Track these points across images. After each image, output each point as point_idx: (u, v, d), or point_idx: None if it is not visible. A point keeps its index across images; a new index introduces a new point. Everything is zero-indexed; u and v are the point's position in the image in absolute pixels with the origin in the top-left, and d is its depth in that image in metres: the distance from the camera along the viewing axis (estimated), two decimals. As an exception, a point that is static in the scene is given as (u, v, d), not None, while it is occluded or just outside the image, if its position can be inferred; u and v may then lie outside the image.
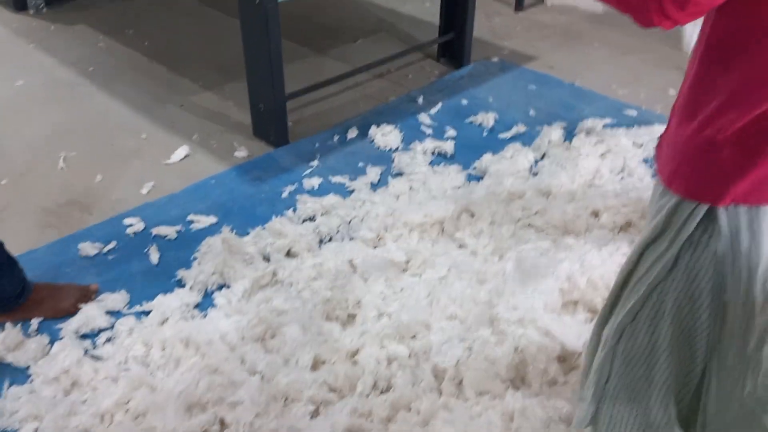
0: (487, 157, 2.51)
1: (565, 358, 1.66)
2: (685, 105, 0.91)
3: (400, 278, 1.93)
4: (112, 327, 1.80)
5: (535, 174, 2.45)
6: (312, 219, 2.21)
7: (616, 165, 2.46)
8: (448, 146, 2.60)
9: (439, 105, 2.93)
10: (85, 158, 2.56)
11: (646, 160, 2.49)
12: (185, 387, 1.59)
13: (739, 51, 0.83)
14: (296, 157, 2.58)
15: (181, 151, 2.59)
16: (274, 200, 2.33)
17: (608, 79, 3.21)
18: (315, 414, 1.57)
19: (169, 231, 2.16)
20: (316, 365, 1.69)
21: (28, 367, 1.68)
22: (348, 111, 2.93)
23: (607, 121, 2.76)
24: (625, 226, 2.14)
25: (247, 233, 2.13)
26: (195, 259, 2.04)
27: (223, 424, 1.54)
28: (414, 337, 1.74)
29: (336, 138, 2.70)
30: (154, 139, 2.69)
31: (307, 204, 2.25)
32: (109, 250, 2.09)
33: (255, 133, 2.73)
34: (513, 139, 2.68)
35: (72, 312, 1.82)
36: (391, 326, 1.75)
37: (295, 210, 2.25)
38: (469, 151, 2.60)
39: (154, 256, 2.06)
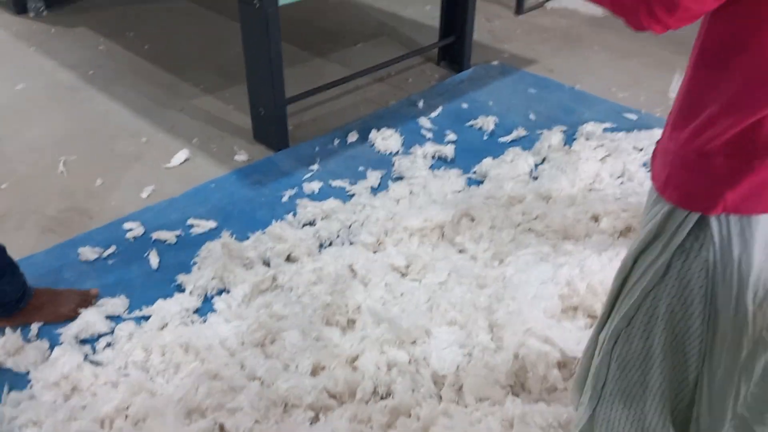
0: (487, 161, 2.51)
1: (564, 365, 1.66)
2: (679, 112, 0.91)
3: (400, 283, 1.93)
4: (111, 332, 1.80)
5: (536, 178, 2.45)
6: (312, 223, 2.21)
7: (616, 169, 2.46)
8: (449, 150, 2.60)
9: (440, 109, 2.93)
10: (86, 162, 2.56)
11: (645, 164, 2.49)
12: (185, 392, 1.58)
13: (730, 60, 0.83)
14: (296, 161, 2.58)
15: (182, 155, 2.59)
16: (274, 204, 2.33)
17: (608, 83, 3.21)
18: (315, 420, 1.57)
19: (168, 235, 2.16)
20: (315, 371, 1.69)
21: (27, 372, 1.68)
22: (348, 115, 2.94)
23: (607, 125, 2.77)
24: (625, 231, 2.14)
25: (247, 238, 2.14)
26: (195, 263, 2.04)
27: (222, 430, 1.54)
28: (414, 342, 1.73)
29: (336, 142, 2.70)
30: (155, 143, 2.69)
31: (307, 208, 2.25)
32: (108, 255, 2.09)
33: (255, 136, 2.73)
34: (513, 143, 2.68)
35: (72, 317, 1.83)
36: (391, 331, 1.75)
37: (295, 214, 2.25)
38: (469, 155, 2.60)
39: (154, 261, 2.06)
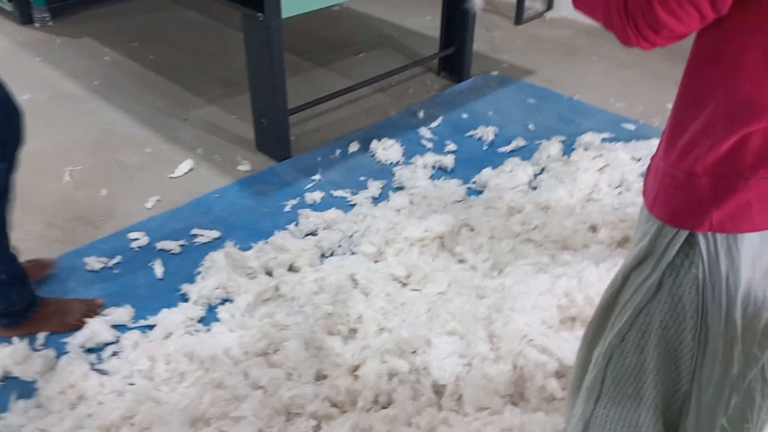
0: (486, 172, 2.54)
1: (563, 375, 1.69)
2: (669, 131, 0.94)
3: (400, 293, 1.96)
4: (117, 341, 1.83)
5: (534, 188, 2.48)
6: (314, 233, 2.25)
7: (614, 179, 2.49)
8: (449, 160, 2.63)
9: (440, 119, 2.97)
10: (91, 172, 2.59)
11: (643, 174, 2.51)
12: (190, 401, 1.62)
13: (711, 80, 0.85)
14: (298, 171, 2.61)
15: (185, 165, 2.62)
16: (277, 214, 2.36)
17: (606, 93, 3.25)
18: (317, 429, 1.60)
19: (173, 245, 2.19)
20: (318, 380, 1.72)
21: (34, 381, 1.71)
22: (349, 125, 2.97)
23: (606, 135, 2.80)
24: (623, 242, 2.17)
25: (250, 247, 2.17)
26: (198, 273, 2.07)
27: (226, 438, 1.57)
28: (414, 352, 1.76)
29: (338, 152, 2.73)
30: (159, 153, 2.73)
31: (309, 218, 2.28)
32: (114, 264, 2.12)
33: (258, 146, 2.77)
34: (512, 153, 2.72)
35: (78, 326, 1.85)
36: (392, 341, 1.78)
37: (297, 224, 2.28)
38: (469, 165, 2.63)
39: (159, 270, 2.09)
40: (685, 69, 0.90)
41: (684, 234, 0.92)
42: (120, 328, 1.88)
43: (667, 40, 0.83)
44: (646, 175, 1.01)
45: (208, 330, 1.87)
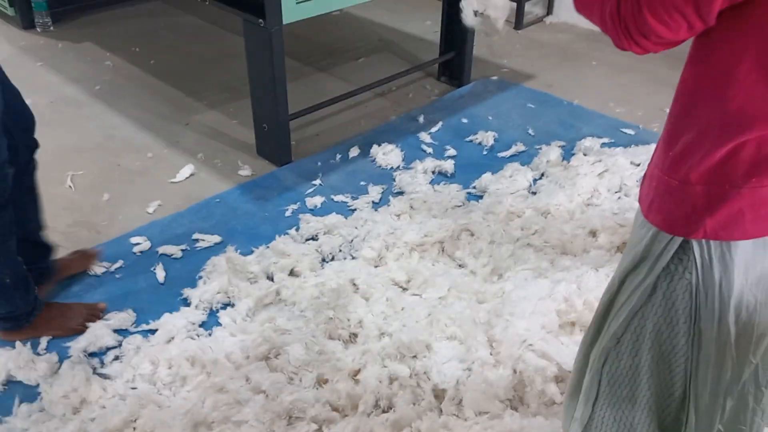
0: (486, 177, 2.56)
1: (562, 379, 1.70)
2: (664, 138, 0.95)
3: (401, 298, 1.97)
4: (119, 345, 1.85)
5: (534, 193, 2.49)
6: (315, 238, 2.26)
7: (614, 184, 2.50)
8: (448, 165, 2.65)
9: (440, 124, 2.98)
10: (92, 177, 2.61)
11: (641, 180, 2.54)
12: (192, 405, 1.63)
13: (702, 90, 0.87)
14: (299, 176, 2.63)
15: (187, 170, 2.64)
16: (278, 219, 2.37)
17: (606, 98, 3.26)
18: (318, 432, 1.61)
19: (174, 250, 2.20)
20: (319, 384, 1.73)
21: (37, 385, 1.73)
22: (350, 130, 2.99)
23: (605, 140, 2.81)
24: (622, 247, 2.18)
25: (251, 252, 2.18)
26: (200, 277, 2.08)
27: (228, 442, 1.58)
28: (415, 356, 1.78)
29: (338, 157, 2.75)
30: (160, 158, 2.74)
31: (309, 223, 2.30)
32: (116, 269, 2.13)
33: (258, 151, 2.78)
34: (512, 158, 2.73)
35: (80, 330, 1.87)
36: (392, 345, 1.79)
37: (297, 229, 2.30)
38: (468, 170, 2.65)
39: (160, 275, 2.10)
40: (680, 77, 0.92)
41: (678, 240, 0.93)
42: (122, 332, 1.89)
43: (658, 46, 0.84)
44: (642, 181, 1.03)
45: (210, 334, 1.88)
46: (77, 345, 1.83)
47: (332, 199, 2.48)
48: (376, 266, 2.12)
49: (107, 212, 2.42)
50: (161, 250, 2.20)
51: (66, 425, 1.60)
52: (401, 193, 2.51)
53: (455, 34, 3.26)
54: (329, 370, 1.74)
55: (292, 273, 2.10)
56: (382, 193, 2.51)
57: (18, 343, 1.81)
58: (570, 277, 1.98)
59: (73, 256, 2.11)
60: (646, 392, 1.05)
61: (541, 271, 2.04)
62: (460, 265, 2.13)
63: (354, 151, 2.77)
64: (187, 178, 2.62)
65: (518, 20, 4.08)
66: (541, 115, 3.08)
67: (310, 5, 2.41)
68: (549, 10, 4.25)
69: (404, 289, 2.02)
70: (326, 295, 1.97)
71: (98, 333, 1.85)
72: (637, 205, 2.40)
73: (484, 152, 2.80)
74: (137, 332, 1.89)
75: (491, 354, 1.77)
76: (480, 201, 2.45)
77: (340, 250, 2.20)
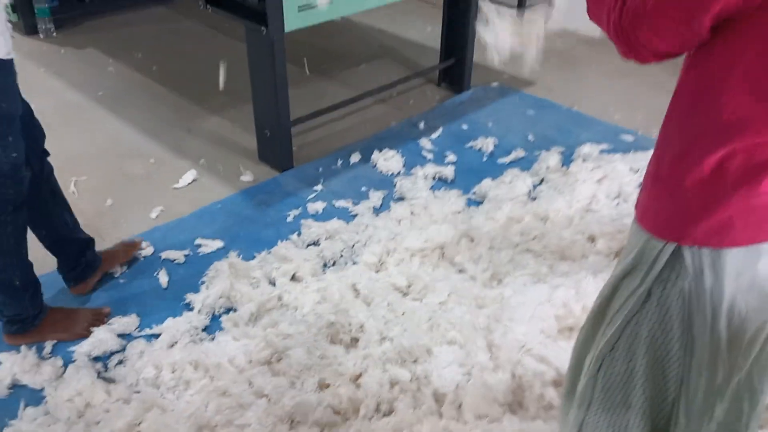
0: (486, 182, 2.58)
1: (560, 383, 1.72)
2: (658, 146, 0.98)
3: (401, 302, 1.99)
4: (123, 350, 1.87)
5: (534, 199, 2.52)
6: (316, 243, 2.28)
7: (612, 190, 2.53)
8: (449, 171, 2.67)
9: (440, 130, 3.01)
10: (96, 183, 2.63)
11: (641, 185, 2.56)
12: (195, 409, 1.65)
13: (694, 102, 0.89)
14: (301, 182, 2.65)
15: (189, 176, 2.66)
16: (279, 224, 2.40)
17: (605, 104, 3.29)
18: (320, 436, 1.63)
19: (177, 255, 2.22)
20: (321, 388, 1.75)
21: (42, 389, 1.75)
22: (351, 136, 3.01)
23: (604, 146, 2.84)
24: (620, 252, 2.19)
25: (253, 257, 2.20)
26: (203, 282, 2.10)
27: (231, 445, 1.60)
28: (415, 361, 1.80)
29: (339, 162, 2.77)
30: (163, 164, 2.77)
31: (311, 228, 2.32)
32: (119, 274, 2.15)
33: (260, 157, 2.81)
34: (512, 164, 2.76)
35: (85, 335, 1.89)
36: (393, 350, 1.81)
37: (299, 234, 2.32)
38: (468, 175, 2.67)
39: (164, 280, 2.13)
40: (675, 89, 0.94)
41: (671, 247, 0.95)
42: (126, 336, 1.92)
43: (657, 57, 0.88)
44: (640, 190, 1.05)
45: (213, 339, 1.90)
46: (82, 349, 1.85)
47: (333, 205, 2.50)
48: (377, 271, 2.14)
49: (110, 217, 2.44)
50: (164, 255, 2.23)
51: (71, 429, 1.62)
52: (402, 198, 2.53)
53: (456, 41, 3.28)
54: (331, 375, 1.76)
55: (293, 278, 2.12)
56: (383, 198, 2.54)
57: (23, 347, 1.83)
58: (568, 282, 2.00)
59: (117, 247, 2.19)
60: (640, 397, 1.07)
61: (540, 277, 2.06)
62: (460, 271, 2.15)
63: (355, 157, 2.80)
64: (189, 183, 2.64)
65: (518, 26, 4.10)
66: (541, 121, 3.11)
67: (311, 13, 2.44)
68: (549, 17, 4.26)
69: (405, 294, 2.04)
70: (328, 300, 1.99)
71: (102, 337, 1.88)
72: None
73: (484, 158, 2.83)
74: (141, 336, 1.91)
75: (490, 358, 1.79)
76: (480, 207, 2.47)
77: (342, 256, 2.22)
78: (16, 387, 1.76)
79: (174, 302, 2.04)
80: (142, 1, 4.38)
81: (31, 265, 1.81)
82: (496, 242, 2.22)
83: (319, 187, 2.61)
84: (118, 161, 2.78)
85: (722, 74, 0.84)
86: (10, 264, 1.75)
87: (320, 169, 2.73)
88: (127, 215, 2.46)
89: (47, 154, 1.87)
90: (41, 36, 3.92)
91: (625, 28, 0.86)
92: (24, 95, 1.80)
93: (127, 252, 2.19)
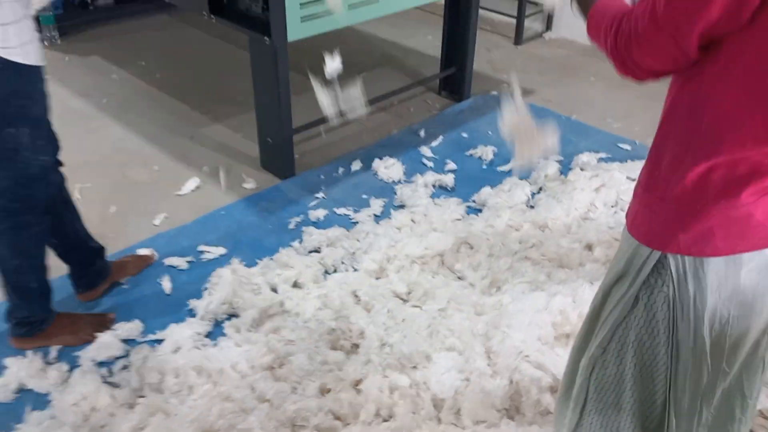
0: (485, 190, 2.61)
1: (557, 389, 1.74)
2: (648, 157, 1.02)
3: (401, 309, 2.02)
4: (127, 355, 1.90)
5: (532, 207, 2.55)
6: (317, 250, 2.31)
7: (610, 199, 2.56)
8: (449, 179, 2.70)
9: (440, 138, 3.04)
10: (100, 190, 2.66)
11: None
12: (198, 413, 1.68)
13: (679, 116, 0.94)
14: (302, 189, 2.68)
15: (192, 183, 2.69)
16: (281, 231, 2.43)
17: (603, 113, 3.32)
18: (321, 440, 1.66)
19: (180, 261, 2.25)
20: (321, 393, 1.78)
21: (48, 394, 1.77)
22: (352, 144, 3.05)
23: (602, 155, 2.87)
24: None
25: (255, 264, 2.23)
26: (206, 289, 2.13)
27: (233, 449, 1.63)
28: (415, 367, 1.83)
29: (341, 170, 2.81)
30: (166, 171, 2.80)
31: (312, 235, 2.35)
32: (124, 280, 2.18)
33: (263, 164, 2.84)
34: (511, 172, 2.79)
35: (89, 340, 1.92)
36: (393, 356, 1.84)
37: (301, 241, 2.35)
38: (468, 183, 2.70)
39: (167, 286, 2.15)
40: (666, 103, 0.98)
41: (657, 254, 0.99)
42: (130, 342, 1.94)
43: (652, 75, 0.93)
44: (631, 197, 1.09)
45: (215, 345, 1.93)
46: (87, 354, 1.88)
47: (335, 212, 2.53)
48: (377, 278, 2.17)
49: (114, 224, 2.48)
50: (167, 261, 2.26)
51: (76, 432, 1.65)
52: (402, 206, 2.57)
53: (456, 50, 3.32)
54: (332, 380, 1.79)
55: (295, 284, 2.15)
56: (384, 206, 2.57)
57: (29, 352, 1.86)
58: (566, 290, 2.03)
59: (129, 258, 2.22)
60: (630, 399, 1.10)
61: (538, 284, 2.09)
62: (459, 278, 2.18)
63: (356, 165, 2.83)
64: (192, 190, 2.68)
65: (518, 36, 4.15)
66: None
67: (314, 23, 2.47)
68: (548, 26, 4.32)
69: (405, 301, 2.07)
70: (329, 307, 2.03)
71: (107, 342, 1.91)
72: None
73: (484, 166, 2.86)
74: (144, 342, 1.94)
75: (489, 365, 1.82)
76: (479, 214, 2.50)
77: (343, 263, 2.25)
78: (22, 391, 1.79)
79: (177, 308, 2.07)
80: (146, 10, 4.42)
81: (47, 268, 1.85)
82: (495, 250, 2.26)
83: (320, 195, 2.64)
84: (122, 168, 2.81)
85: (709, 90, 0.88)
86: (30, 266, 1.79)
87: (322, 177, 2.76)
88: (131, 222, 2.49)
89: (61, 164, 1.90)
90: (45, 44, 3.95)
91: (620, 50, 0.92)
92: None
93: (138, 265, 2.22)
